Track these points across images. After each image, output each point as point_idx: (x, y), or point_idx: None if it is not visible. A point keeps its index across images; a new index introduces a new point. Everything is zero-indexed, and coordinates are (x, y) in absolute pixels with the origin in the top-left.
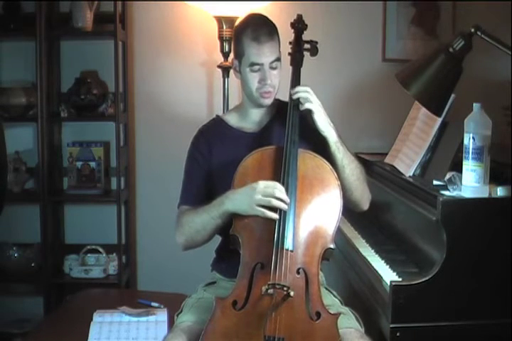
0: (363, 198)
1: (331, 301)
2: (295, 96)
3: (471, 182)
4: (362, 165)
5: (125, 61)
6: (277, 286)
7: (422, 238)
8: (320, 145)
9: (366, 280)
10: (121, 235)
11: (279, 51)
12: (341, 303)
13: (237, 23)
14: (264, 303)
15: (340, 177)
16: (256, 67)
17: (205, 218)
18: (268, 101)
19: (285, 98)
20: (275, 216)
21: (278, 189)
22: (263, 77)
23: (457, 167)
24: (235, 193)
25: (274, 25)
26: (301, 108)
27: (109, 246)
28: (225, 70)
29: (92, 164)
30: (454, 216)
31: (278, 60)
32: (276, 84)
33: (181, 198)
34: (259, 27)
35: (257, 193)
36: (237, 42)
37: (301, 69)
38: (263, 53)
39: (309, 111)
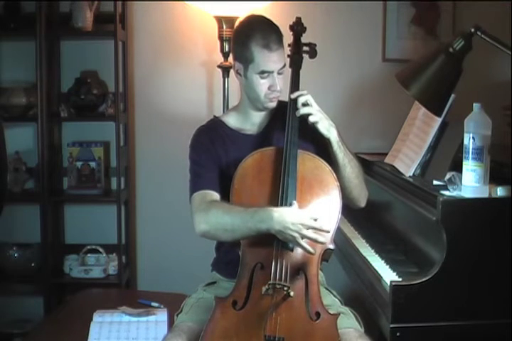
0: (361, 196)
1: (331, 301)
2: (299, 107)
3: (471, 182)
4: (360, 163)
5: (125, 61)
6: (277, 286)
7: (422, 238)
8: (321, 145)
9: (366, 280)
10: (121, 235)
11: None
12: (341, 303)
13: (237, 24)
14: (264, 303)
15: (340, 176)
16: (265, 75)
17: (239, 224)
18: (274, 105)
19: (284, 98)
20: (313, 251)
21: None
22: (273, 83)
23: (457, 167)
24: (285, 217)
25: (278, 28)
26: (302, 112)
27: (109, 246)
28: (225, 70)
29: (92, 164)
30: (454, 216)
31: (285, 66)
32: (282, 87)
33: (196, 184)
34: (268, 33)
35: (303, 227)
36: (242, 47)
37: (302, 68)
38: (273, 61)
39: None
